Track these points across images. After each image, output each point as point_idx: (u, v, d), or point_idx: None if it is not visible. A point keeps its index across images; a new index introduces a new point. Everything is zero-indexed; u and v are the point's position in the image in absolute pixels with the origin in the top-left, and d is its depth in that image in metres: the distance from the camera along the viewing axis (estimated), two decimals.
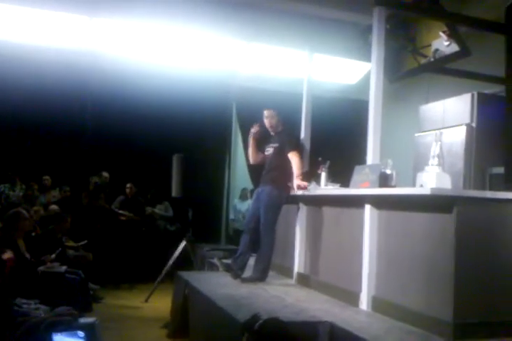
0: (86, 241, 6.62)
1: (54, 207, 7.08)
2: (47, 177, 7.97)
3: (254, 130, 5.17)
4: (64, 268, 5.29)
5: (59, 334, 1.19)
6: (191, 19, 6.55)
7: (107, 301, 6.35)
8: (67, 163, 8.13)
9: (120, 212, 7.80)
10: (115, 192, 8.12)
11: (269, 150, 5.09)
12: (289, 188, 5.03)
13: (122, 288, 7.26)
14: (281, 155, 4.95)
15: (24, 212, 5.16)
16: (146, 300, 6.42)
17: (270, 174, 5.00)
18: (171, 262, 6.51)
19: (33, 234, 5.85)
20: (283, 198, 4.93)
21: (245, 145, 8.75)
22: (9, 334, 2.81)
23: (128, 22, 7.25)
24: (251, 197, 8.14)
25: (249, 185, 8.75)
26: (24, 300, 4.05)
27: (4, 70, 7.11)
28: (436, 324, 3.01)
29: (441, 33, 5.61)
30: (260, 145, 5.24)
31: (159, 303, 6.15)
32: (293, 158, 4.87)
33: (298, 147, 5.07)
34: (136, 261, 7.30)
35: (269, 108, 5.14)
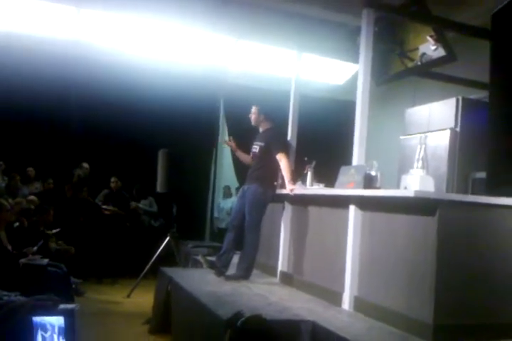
0: (59, 229, 6.53)
1: (33, 198, 6.98)
2: (30, 168, 7.89)
3: (228, 145, 5.38)
4: (46, 261, 5.24)
5: (39, 317, 1.20)
6: (181, 14, 6.54)
7: (88, 295, 6.33)
8: (50, 154, 8.06)
9: (104, 206, 7.77)
10: (99, 185, 8.07)
11: (256, 148, 5.07)
12: (275, 187, 5.06)
13: (105, 282, 7.23)
14: (266, 154, 4.95)
15: (5, 203, 5.11)
16: (129, 296, 6.40)
17: (256, 172, 5.00)
18: (154, 258, 6.51)
19: (16, 224, 5.79)
20: (268, 197, 4.95)
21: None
22: None
23: (117, 14, 7.23)
24: (236, 194, 8.20)
25: (235, 183, 8.78)
26: (5, 292, 4.02)
27: None
28: (416, 325, 3.07)
29: (428, 38, 5.68)
30: (250, 144, 5.25)
31: (141, 299, 6.14)
32: (281, 160, 4.85)
33: (285, 148, 5.08)
34: (119, 256, 7.28)
35: (254, 104, 5.14)
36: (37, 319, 1.25)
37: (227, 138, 5.25)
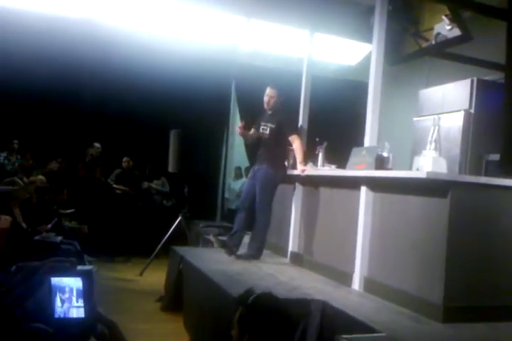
0: (73, 210, 6.61)
1: (42, 177, 7.02)
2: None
3: (240, 131, 5.12)
4: (60, 238, 5.29)
5: (57, 278, 1.22)
6: None
7: (102, 273, 6.41)
8: (63, 134, 8.10)
9: (115, 186, 7.83)
10: (111, 165, 8.13)
11: (265, 129, 5.00)
12: (285, 167, 5.07)
13: (117, 261, 7.33)
14: (278, 135, 4.92)
15: (19, 181, 5.16)
16: (141, 274, 6.49)
17: (267, 153, 4.98)
18: (166, 237, 6.58)
19: (29, 203, 5.86)
20: (279, 177, 4.96)
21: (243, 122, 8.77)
22: (9, 278, 2.84)
23: None
24: (246, 175, 8.22)
25: (246, 163, 8.79)
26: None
27: (1, 37, 7.04)
28: (426, 306, 3.09)
29: (443, 17, 5.59)
30: (253, 121, 5.21)
31: (153, 277, 6.22)
32: (294, 141, 4.84)
33: (298, 129, 5.06)
34: (131, 235, 7.36)
35: (272, 86, 5.01)
36: (55, 280, 1.27)
37: (238, 129, 5.01)
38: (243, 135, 5.26)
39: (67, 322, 1.03)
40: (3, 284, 3.11)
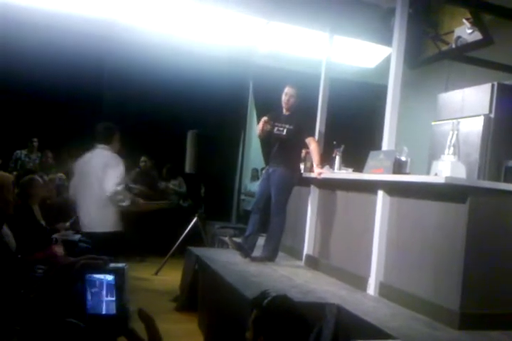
0: None
1: (61, 175, 7.10)
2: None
3: (263, 125, 4.93)
4: (78, 236, 5.35)
5: (91, 275, 1.25)
6: None
7: None
8: (83, 133, 8.18)
9: (131, 185, 7.87)
10: (129, 164, 8.18)
11: (282, 131, 4.93)
12: (300, 170, 5.06)
13: (133, 260, 7.37)
14: (295, 137, 4.88)
15: (39, 178, 5.22)
16: (157, 273, 6.54)
17: (283, 155, 4.94)
18: (182, 237, 6.62)
19: (48, 201, 5.93)
20: (295, 179, 4.94)
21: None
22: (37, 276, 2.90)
23: None
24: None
25: (262, 164, 8.80)
26: (41, 266, 4.15)
27: (23, 36, 7.14)
28: (442, 312, 3.07)
29: (464, 20, 5.55)
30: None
31: (169, 277, 6.27)
32: (311, 143, 4.82)
33: (314, 131, 5.05)
34: (147, 235, 7.40)
35: (292, 86, 4.96)
36: (87, 276, 1.30)
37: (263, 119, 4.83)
38: (263, 129, 5.06)
39: (98, 318, 1.05)
40: (31, 282, 3.17)
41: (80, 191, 4.37)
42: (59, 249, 4.00)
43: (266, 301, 2.52)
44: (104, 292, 1.08)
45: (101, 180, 4.13)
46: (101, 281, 1.06)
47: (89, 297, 1.03)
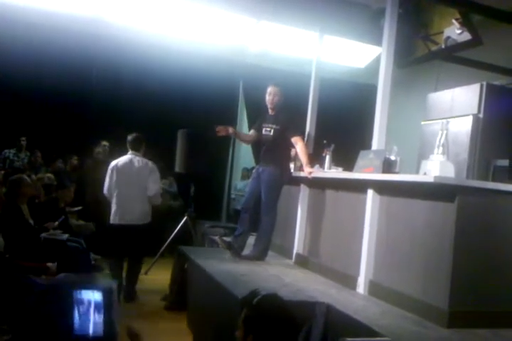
0: (81, 208, 6.67)
1: (50, 175, 7.07)
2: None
3: (221, 133, 5.05)
4: (66, 236, 5.33)
5: (78, 291, 1.24)
6: None
7: (107, 272, 6.44)
8: (72, 132, 8.13)
9: None
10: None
11: (269, 131, 4.94)
12: (290, 169, 5.07)
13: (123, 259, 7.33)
14: (282, 137, 4.87)
15: (27, 177, 5.19)
16: (146, 273, 6.51)
17: (272, 155, 4.93)
18: (171, 237, 6.60)
19: (37, 200, 5.90)
20: (285, 178, 4.95)
21: (250, 124, 8.78)
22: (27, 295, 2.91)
23: None
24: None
25: (252, 164, 8.80)
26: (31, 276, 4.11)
27: (11, 34, 7.09)
28: (431, 311, 3.09)
29: (453, 21, 5.58)
30: (255, 122, 5.24)
31: (159, 276, 6.25)
32: (297, 143, 4.81)
33: (301, 131, 5.04)
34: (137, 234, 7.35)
35: (275, 84, 4.95)
36: (75, 293, 1.29)
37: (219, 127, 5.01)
38: (237, 138, 5.42)
39: (85, 339, 1.04)
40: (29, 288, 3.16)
41: (123, 190, 5.33)
42: (52, 267, 4.00)
43: (256, 300, 2.53)
44: (91, 311, 1.06)
45: (145, 183, 5.30)
46: (89, 300, 1.05)
47: (76, 316, 1.01)
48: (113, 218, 5.38)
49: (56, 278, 3.42)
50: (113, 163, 5.43)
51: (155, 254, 6.61)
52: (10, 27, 7.09)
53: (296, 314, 3.06)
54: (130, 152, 5.46)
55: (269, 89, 4.95)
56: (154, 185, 5.35)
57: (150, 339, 4.15)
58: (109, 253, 5.65)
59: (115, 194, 5.37)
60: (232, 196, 9.42)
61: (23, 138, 7.78)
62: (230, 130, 5.06)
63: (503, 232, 3.16)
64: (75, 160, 7.93)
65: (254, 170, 5.29)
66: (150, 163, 5.43)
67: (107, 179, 5.45)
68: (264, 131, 5.00)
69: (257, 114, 5.46)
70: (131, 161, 5.39)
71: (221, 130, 5.02)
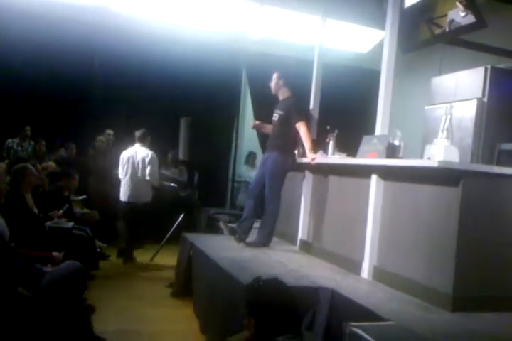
0: (85, 197, 6.70)
1: (52, 163, 7.07)
2: (59, 136, 8.04)
3: (252, 126, 5.47)
4: (71, 224, 5.34)
5: None
6: None
7: (113, 259, 6.49)
8: (75, 121, 8.12)
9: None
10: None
11: (275, 117, 5.05)
12: (295, 155, 5.06)
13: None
14: (286, 122, 4.91)
15: (31, 167, 5.19)
16: (152, 260, 6.55)
17: (275, 141, 5.00)
18: (176, 223, 6.62)
19: (41, 189, 5.90)
20: (288, 165, 4.95)
21: (255, 110, 8.76)
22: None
23: None
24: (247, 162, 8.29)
25: (256, 150, 8.78)
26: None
27: (14, 24, 7.05)
28: (435, 295, 3.09)
29: (457, 3, 5.50)
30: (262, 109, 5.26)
31: (164, 263, 6.30)
32: (300, 128, 4.82)
33: (305, 116, 5.03)
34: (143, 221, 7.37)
35: (276, 71, 5.08)
36: None
37: (252, 119, 5.30)
38: (259, 129, 5.50)
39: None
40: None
41: (128, 174, 6.48)
42: (58, 256, 4.03)
43: (257, 285, 2.55)
44: None
45: (145, 168, 6.40)
46: None
47: None
48: (121, 196, 6.53)
49: (61, 265, 3.44)
50: (123, 153, 6.54)
51: (160, 241, 6.64)
52: (13, 17, 7.05)
53: (299, 299, 3.09)
54: (137, 144, 6.51)
55: (273, 76, 5.07)
56: (151, 171, 6.41)
57: (157, 325, 4.21)
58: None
59: (123, 177, 6.52)
60: (236, 184, 9.33)
61: (28, 128, 7.78)
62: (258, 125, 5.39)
63: (508, 217, 3.15)
64: (73, 149, 7.93)
65: (261, 158, 5.33)
66: (150, 154, 6.45)
67: (120, 165, 6.56)
68: (273, 118, 5.08)
69: (262, 101, 5.48)
70: (136, 152, 6.48)
71: (256, 125, 5.41)
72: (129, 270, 6.15)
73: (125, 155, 6.52)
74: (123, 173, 6.52)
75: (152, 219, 6.99)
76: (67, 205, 5.71)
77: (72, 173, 6.30)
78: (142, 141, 6.50)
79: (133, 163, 6.45)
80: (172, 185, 7.45)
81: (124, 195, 6.51)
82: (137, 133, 6.51)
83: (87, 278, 4.00)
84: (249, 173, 8.70)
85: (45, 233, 4.90)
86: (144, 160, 6.41)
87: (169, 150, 7.99)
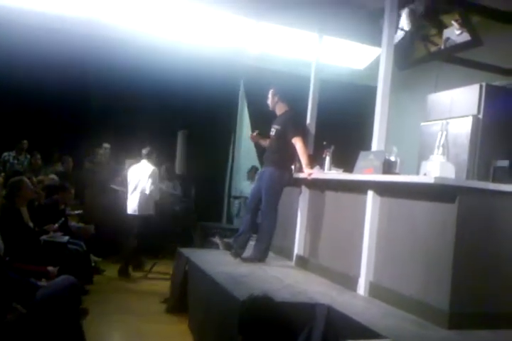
0: (81, 211, 6.69)
1: (54, 176, 7.08)
2: (55, 149, 8.04)
3: (254, 140, 5.51)
4: (66, 238, 5.32)
5: None
6: None
7: (108, 274, 6.44)
8: (70, 135, 8.13)
9: (113, 186, 7.80)
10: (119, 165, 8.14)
11: (273, 131, 5.07)
12: (291, 170, 5.07)
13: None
14: (282, 137, 4.93)
15: (27, 180, 5.18)
16: (147, 275, 6.51)
17: (273, 155, 5.01)
18: (172, 238, 6.59)
19: (36, 203, 5.88)
20: (285, 180, 4.96)
21: (252, 125, 8.79)
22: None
23: None
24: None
25: (253, 164, 8.78)
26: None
27: (9, 37, 7.08)
28: (432, 312, 3.08)
29: (453, 22, 5.57)
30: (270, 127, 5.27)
31: (159, 278, 6.25)
32: (297, 143, 4.83)
33: (301, 132, 5.04)
34: (138, 236, 7.35)
35: (271, 86, 5.14)
36: None
37: (249, 133, 5.33)
38: (257, 142, 5.50)
39: None
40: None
41: (134, 189, 6.75)
42: (53, 271, 4.00)
43: (247, 302, 2.54)
44: None
45: (145, 183, 6.67)
46: None
47: None
48: (128, 209, 6.77)
49: (56, 280, 3.42)
50: (131, 169, 6.91)
51: (156, 256, 6.60)
52: (7, 29, 7.08)
53: (295, 315, 3.07)
54: (143, 160, 6.82)
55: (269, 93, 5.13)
56: (151, 185, 6.69)
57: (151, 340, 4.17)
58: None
59: (131, 192, 6.80)
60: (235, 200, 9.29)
61: (25, 142, 7.79)
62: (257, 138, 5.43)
63: (504, 233, 3.16)
64: (70, 162, 7.93)
65: (258, 172, 5.34)
66: (152, 169, 6.72)
67: (127, 180, 6.90)
68: (271, 132, 5.11)
69: (260, 116, 5.52)
70: (140, 167, 6.80)
71: (254, 137, 5.44)
72: (124, 285, 6.11)
73: (132, 170, 6.86)
74: (130, 188, 6.80)
75: (150, 232, 7.01)
76: (63, 219, 5.69)
77: (68, 187, 6.29)
78: (149, 157, 6.81)
79: (138, 178, 6.76)
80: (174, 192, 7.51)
81: (130, 208, 6.76)
82: (144, 151, 6.82)
83: (82, 293, 3.97)
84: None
85: (40, 247, 4.88)
86: (145, 175, 6.70)
87: (163, 164, 8.01)
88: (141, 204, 6.70)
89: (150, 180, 6.67)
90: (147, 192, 6.65)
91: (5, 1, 6.96)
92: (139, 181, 6.74)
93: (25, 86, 7.51)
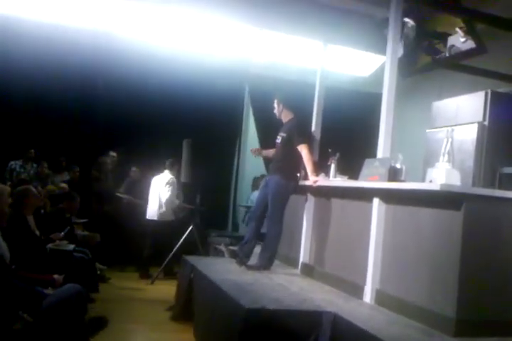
0: (87, 220, 6.70)
1: (64, 185, 7.13)
2: (62, 158, 8.08)
3: (255, 154, 5.61)
4: (72, 246, 5.33)
5: None
6: (205, 3, 6.52)
7: (113, 282, 6.44)
8: (77, 144, 8.17)
9: (119, 194, 7.83)
10: (125, 174, 8.19)
11: (279, 140, 5.09)
12: (297, 178, 5.07)
13: (129, 269, 7.33)
14: (288, 145, 4.94)
15: (33, 189, 5.20)
16: (152, 283, 6.51)
17: (278, 163, 5.02)
18: (177, 246, 6.59)
19: (42, 211, 5.90)
20: (291, 188, 4.95)
21: (259, 132, 8.82)
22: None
23: (143, 5, 7.25)
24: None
25: (258, 173, 8.78)
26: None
27: (18, 48, 7.15)
28: (438, 319, 3.06)
29: (457, 29, 5.59)
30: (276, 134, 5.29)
31: (164, 286, 6.25)
32: (302, 151, 4.84)
33: (307, 139, 5.05)
34: (142, 244, 7.36)
35: (276, 95, 5.17)
36: None
37: (255, 140, 5.40)
38: (260, 155, 5.60)
39: None
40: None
41: (153, 196, 7.34)
42: (59, 279, 4.01)
43: (244, 317, 2.52)
44: None
45: (163, 192, 7.22)
46: None
47: None
48: (148, 215, 7.33)
49: (62, 288, 3.42)
50: (154, 178, 7.41)
51: (161, 264, 6.60)
52: (16, 41, 7.16)
53: (302, 324, 3.06)
54: (166, 170, 7.31)
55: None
56: (166, 193, 7.21)
57: None
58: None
59: (153, 199, 7.31)
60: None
61: (32, 151, 7.84)
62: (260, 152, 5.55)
63: (510, 240, 3.14)
64: (77, 172, 7.97)
65: (263, 180, 5.34)
66: (170, 179, 7.23)
67: (150, 188, 7.41)
68: (276, 140, 5.13)
69: (266, 124, 5.55)
70: (161, 177, 7.32)
71: (254, 151, 5.57)
72: (129, 293, 6.11)
73: (155, 180, 7.38)
74: (152, 195, 7.33)
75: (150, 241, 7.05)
76: (69, 227, 5.70)
77: (75, 196, 6.31)
78: (171, 168, 7.30)
79: (156, 186, 7.29)
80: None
81: (150, 214, 7.30)
82: (167, 162, 7.33)
83: (88, 301, 3.96)
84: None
85: (46, 255, 4.88)
86: (163, 184, 7.21)
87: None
88: (160, 210, 7.17)
89: (167, 188, 7.13)
90: (163, 200, 7.15)
91: (16, 13, 7.05)
92: (159, 189, 7.21)
93: (33, 95, 7.58)
